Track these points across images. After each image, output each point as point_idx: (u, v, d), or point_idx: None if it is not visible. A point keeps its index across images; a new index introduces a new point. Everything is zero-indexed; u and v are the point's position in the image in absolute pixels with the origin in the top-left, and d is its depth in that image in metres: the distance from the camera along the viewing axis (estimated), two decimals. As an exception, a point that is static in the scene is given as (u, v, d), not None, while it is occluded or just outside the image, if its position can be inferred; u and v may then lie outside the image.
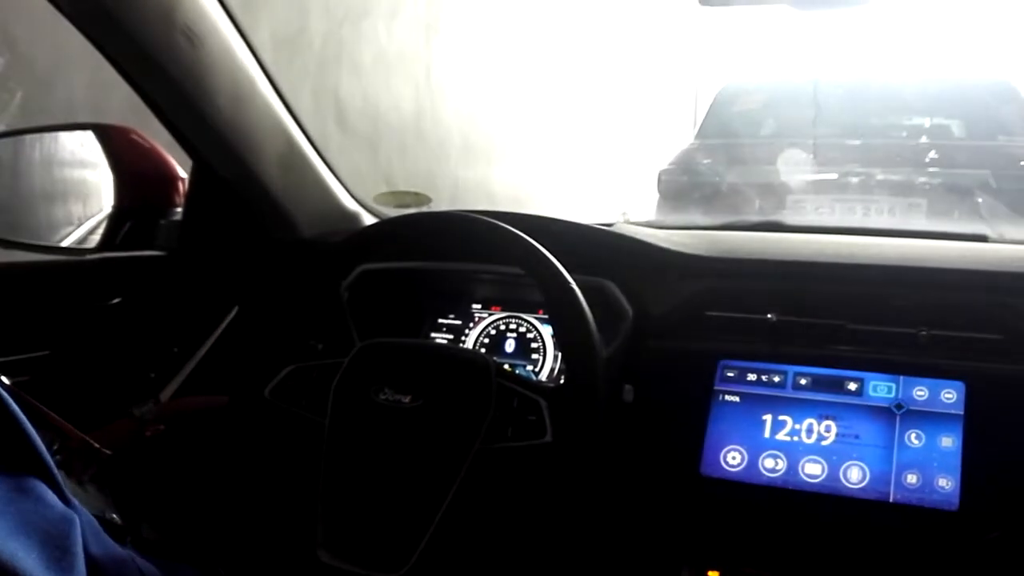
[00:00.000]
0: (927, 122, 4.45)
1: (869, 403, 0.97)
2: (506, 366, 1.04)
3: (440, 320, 1.27)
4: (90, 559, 0.58)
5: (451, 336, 1.25)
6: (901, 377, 0.97)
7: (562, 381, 0.94)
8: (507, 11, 5.66)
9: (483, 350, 1.21)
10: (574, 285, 0.93)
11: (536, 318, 1.22)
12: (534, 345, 1.21)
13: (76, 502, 0.61)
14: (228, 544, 1.05)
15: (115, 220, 1.25)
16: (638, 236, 1.17)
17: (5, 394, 0.55)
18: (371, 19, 4.38)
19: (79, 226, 1.33)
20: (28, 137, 1.36)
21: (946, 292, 1.02)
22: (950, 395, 0.94)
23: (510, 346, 1.22)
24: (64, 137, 1.37)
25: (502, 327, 1.23)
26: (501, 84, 5.65)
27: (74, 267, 1.30)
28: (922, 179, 4.01)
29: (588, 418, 0.89)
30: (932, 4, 7.91)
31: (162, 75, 1.09)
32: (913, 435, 0.94)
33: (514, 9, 5.75)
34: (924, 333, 0.99)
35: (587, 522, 1.03)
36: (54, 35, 2.35)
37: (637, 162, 6.65)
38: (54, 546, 0.54)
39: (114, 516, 0.75)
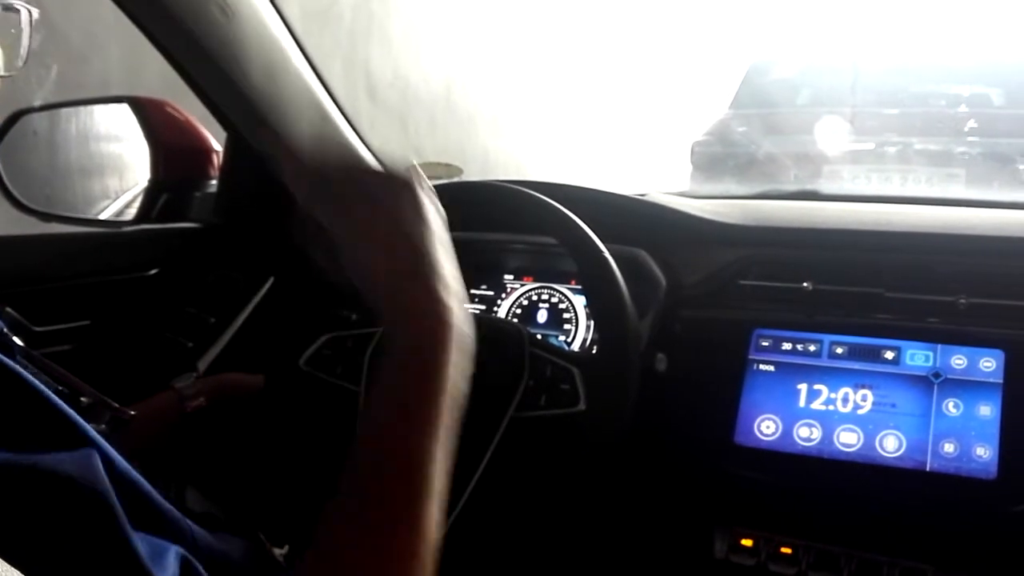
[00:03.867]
0: (966, 90, 4.37)
1: (906, 372, 0.96)
2: (538, 336, 1.04)
3: (472, 290, 1.27)
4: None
5: (483, 306, 1.26)
6: (939, 345, 0.96)
7: (595, 350, 0.95)
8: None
9: (516, 320, 1.22)
10: (607, 254, 0.92)
11: (568, 288, 1.22)
12: (566, 315, 1.21)
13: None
14: (268, 512, 1.06)
15: (151, 193, 1.27)
16: (671, 205, 1.16)
17: (39, 384, 0.55)
18: (401, -9, 4.37)
19: (116, 199, 1.35)
20: (64, 111, 1.38)
21: (986, 259, 1.01)
22: (989, 363, 0.93)
23: (542, 316, 1.22)
24: (99, 110, 1.38)
25: (534, 297, 1.23)
26: (532, 55, 5.62)
27: (112, 239, 1.32)
28: (961, 148, 3.95)
29: (621, 387, 0.90)
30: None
31: (196, 47, 1.09)
32: (951, 404, 0.93)
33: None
34: (963, 301, 0.97)
35: (619, 490, 1.04)
36: (89, 8, 2.37)
37: (668, 133, 6.59)
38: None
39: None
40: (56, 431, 0.53)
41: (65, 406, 0.54)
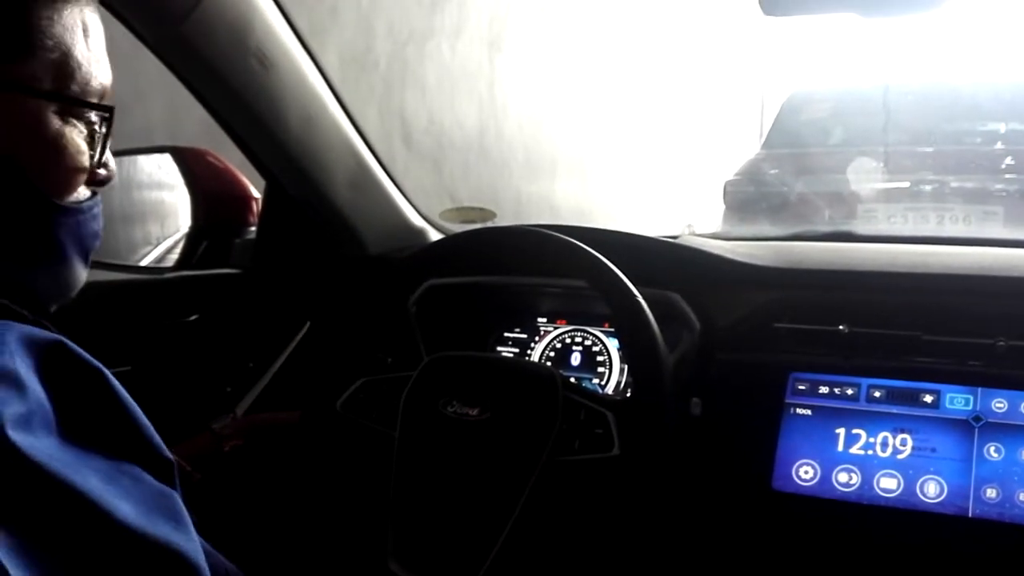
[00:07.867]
0: (1002, 127, 4.33)
1: (946, 416, 0.94)
2: (572, 379, 1.04)
3: (506, 334, 1.28)
4: None
5: (517, 350, 1.26)
6: (979, 389, 0.94)
7: (629, 394, 0.94)
8: (570, 25, 5.68)
9: (549, 363, 1.22)
10: (640, 298, 0.93)
11: (602, 331, 1.22)
12: (600, 358, 1.20)
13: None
14: (301, 553, 1.07)
15: (192, 239, 1.29)
16: (704, 248, 1.16)
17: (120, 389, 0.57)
18: (435, 39, 4.45)
19: (157, 246, 1.37)
20: (108, 161, 1.41)
21: (1025, 301, 0.99)
22: (1031, 407, 0.92)
23: (576, 359, 1.22)
24: (142, 160, 1.42)
25: (568, 340, 1.23)
26: (564, 98, 5.67)
27: (153, 285, 1.35)
28: (998, 186, 3.90)
29: (656, 431, 0.89)
30: (1006, 5, 7.67)
31: (236, 98, 1.12)
32: (992, 448, 0.91)
33: (577, 23, 5.76)
34: (1003, 343, 0.96)
35: (655, 535, 1.03)
36: (132, 60, 2.44)
37: (701, 174, 6.59)
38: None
39: None
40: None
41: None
